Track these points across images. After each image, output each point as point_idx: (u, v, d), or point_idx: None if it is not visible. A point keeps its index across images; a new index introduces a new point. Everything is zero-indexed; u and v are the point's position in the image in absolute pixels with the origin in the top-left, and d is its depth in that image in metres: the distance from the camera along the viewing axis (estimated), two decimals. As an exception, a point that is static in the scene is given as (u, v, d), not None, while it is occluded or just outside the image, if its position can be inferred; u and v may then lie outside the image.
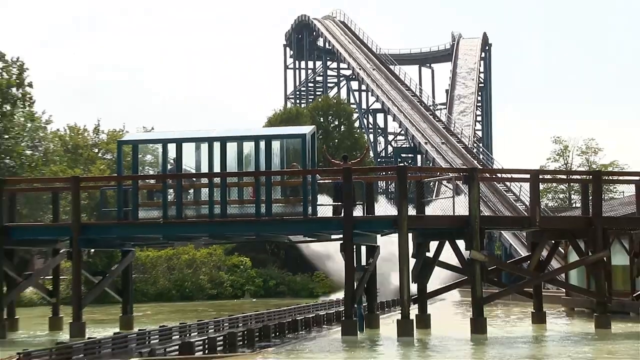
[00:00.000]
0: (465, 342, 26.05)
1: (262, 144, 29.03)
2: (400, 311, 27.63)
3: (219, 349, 23.48)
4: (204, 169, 29.76)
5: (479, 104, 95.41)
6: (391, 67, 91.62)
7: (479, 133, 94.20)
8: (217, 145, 29.21)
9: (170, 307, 45.64)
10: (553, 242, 32.66)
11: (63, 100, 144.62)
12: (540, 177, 30.07)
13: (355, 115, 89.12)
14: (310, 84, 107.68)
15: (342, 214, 28.08)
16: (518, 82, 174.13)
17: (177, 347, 22.83)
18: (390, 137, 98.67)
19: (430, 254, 29.62)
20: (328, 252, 50.83)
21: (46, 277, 36.29)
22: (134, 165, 31.44)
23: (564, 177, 39.36)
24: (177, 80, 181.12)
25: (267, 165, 28.92)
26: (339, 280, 39.12)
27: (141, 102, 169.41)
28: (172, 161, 30.40)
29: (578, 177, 36.47)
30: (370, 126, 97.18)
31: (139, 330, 26.36)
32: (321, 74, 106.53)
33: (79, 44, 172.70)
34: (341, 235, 28.16)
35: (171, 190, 29.57)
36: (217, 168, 29.09)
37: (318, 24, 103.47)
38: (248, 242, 50.14)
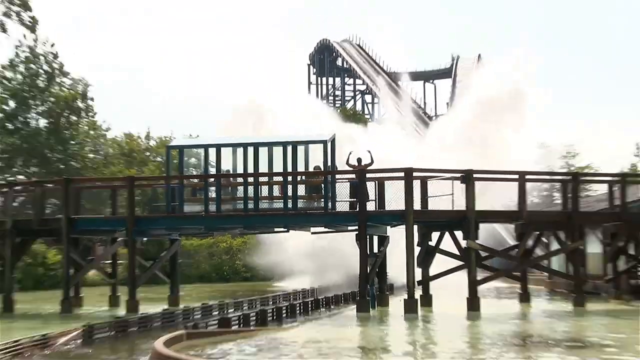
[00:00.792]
0: (462, 318, 26.04)
1: (289, 148, 29.12)
2: (406, 292, 27.67)
3: (252, 323, 23.54)
4: (239, 170, 29.90)
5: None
6: (399, 83, 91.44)
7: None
8: (250, 150, 29.27)
9: (211, 288, 45.64)
10: (537, 233, 32.56)
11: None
12: (527, 177, 29.92)
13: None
14: (330, 97, 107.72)
15: (357, 209, 28.21)
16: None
17: (216, 321, 22.91)
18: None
19: (432, 243, 29.62)
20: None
21: (106, 262, 36.45)
22: (180, 167, 31.57)
23: (547, 177, 39.07)
24: (177, 80, 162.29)
25: (293, 167, 29.05)
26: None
27: (141, 102, 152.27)
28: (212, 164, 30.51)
29: (559, 177, 36.20)
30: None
31: (184, 307, 26.52)
32: (339, 89, 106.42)
33: (79, 44, 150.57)
34: (356, 227, 28.27)
35: (212, 188, 29.75)
36: (250, 169, 29.17)
37: (337, 46, 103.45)
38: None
